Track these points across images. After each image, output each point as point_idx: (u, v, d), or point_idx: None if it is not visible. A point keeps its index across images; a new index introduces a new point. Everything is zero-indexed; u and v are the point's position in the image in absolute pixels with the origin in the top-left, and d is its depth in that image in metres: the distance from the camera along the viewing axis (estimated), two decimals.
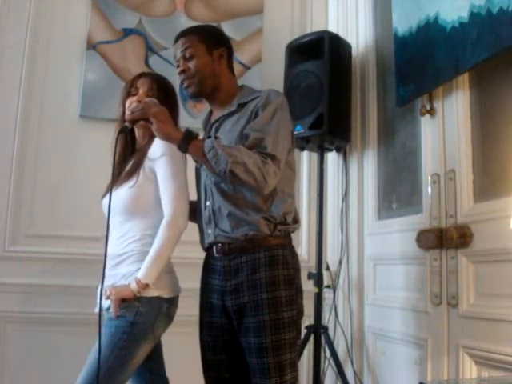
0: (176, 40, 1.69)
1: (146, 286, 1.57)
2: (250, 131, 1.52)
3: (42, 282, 2.39)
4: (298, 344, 1.58)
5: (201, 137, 1.52)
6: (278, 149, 1.50)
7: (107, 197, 1.74)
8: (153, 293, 1.60)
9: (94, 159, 2.48)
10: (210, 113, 1.78)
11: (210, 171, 1.49)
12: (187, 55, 1.64)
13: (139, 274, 1.57)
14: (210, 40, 1.67)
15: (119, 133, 1.56)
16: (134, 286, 1.57)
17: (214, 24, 2.57)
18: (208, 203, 1.63)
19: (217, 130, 1.66)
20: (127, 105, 1.76)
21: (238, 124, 1.60)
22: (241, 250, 1.56)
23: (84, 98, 2.57)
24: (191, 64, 1.63)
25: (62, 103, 2.57)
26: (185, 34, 1.68)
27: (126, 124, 1.54)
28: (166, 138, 1.48)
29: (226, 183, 1.54)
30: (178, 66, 1.67)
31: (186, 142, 1.45)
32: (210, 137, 1.48)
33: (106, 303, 1.61)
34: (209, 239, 1.63)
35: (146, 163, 1.68)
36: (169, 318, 1.67)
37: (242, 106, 1.63)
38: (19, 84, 2.50)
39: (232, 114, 1.64)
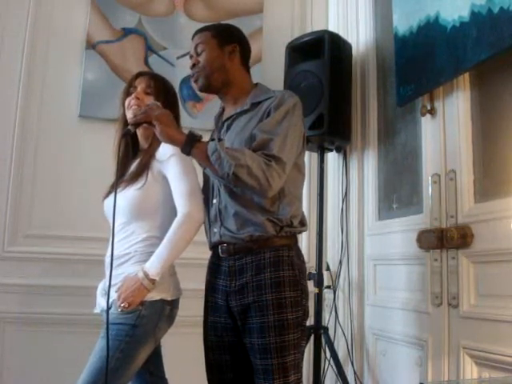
0: (192, 37, 1.71)
1: (155, 281, 1.56)
2: (258, 132, 1.52)
3: (41, 282, 2.38)
4: (302, 345, 1.58)
5: (205, 138, 1.51)
6: (284, 151, 1.49)
7: (109, 198, 1.74)
8: (156, 296, 1.59)
9: (94, 159, 2.47)
10: (223, 109, 1.77)
11: (214, 174, 1.49)
12: (199, 50, 1.66)
13: (150, 269, 1.55)
14: (222, 35, 1.67)
15: (122, 136, 1.56)
16: (146, 283, 1.55)
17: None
18: (215, 201, 1.63)
19: (228, 128, 1.66)
20: (126, 104, 1.76)
21: (250, 124, 1.59)
22: (246, 251, 1.55)
23: (83, 97, 2.56)
24: (201, 58, 1.65)
25: (61, 103, 2.56)
26: (200, 30, 1.70)
27: (129, 127, 1.54)
28: (170, 140, 1.48)
29: (230, 186, 1.53)
30: (191, 58, 1.69)
31: (189, 144, 1.45)
32: (213, 139, 1.48)
33: (105, 304, 1.61)
34: (214, 238, 1.62)
35: (154, 165, 1.67)
36: (170, 320, 1.66)
37: (255, 105, 1.63)
38: (18, 84, 2.49)
39: (245, 112, 1.64)
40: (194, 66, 1.66)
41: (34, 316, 2.36)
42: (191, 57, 1.69)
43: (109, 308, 1.54)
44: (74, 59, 2.61)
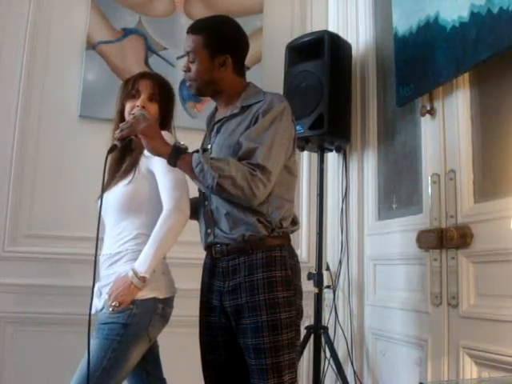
0: (187, 32, 1.68)
1: (145, 279, 1.56)
2: (244, 140, 1.52)
3: (42, 282, 2.38)
4: (297, 345, 1.58)
5: (199, 146, 1.52)
6: (269, 160, 1.49)
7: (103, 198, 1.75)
8: (147, 295, 1.59)
9: (94, 159, 2.44)
10: (216, 109, 1.77)
11: (200, 185, 1.51)
12: (190, 57, 1.64)
13: (139, 267, 1.55)
14: (214, 45, 1.63)
15: (109, 152, 1.57)
16: (136, 281, 1.55)
17: None
18: (206, 203, 1.64)
19: (218, 132, 1.66)
20: (127, 109, 1.75)
21: (239, 128, 1.59)
22: (239, 251, 1.56)
23: (83, 98, 2.57)
24: (193, 67, 1.64)
25: (61, 103, 2.56)
26: (194, 31, 1.66)
27: (116, 143, 1.55)
28: (156, 153, 1.52)
29: (216, 196, 1.54)
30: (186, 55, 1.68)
31: (174, 157, 1.48)
32: (197, 151, 1.49)
33: (99, 304, 1.61)
34: (208, 239, 1.63)
35: (142, 161, 1.68)
36: (164, 319, 1.66)
37: (245, 108, 1.62)
38: (18, 84, 2.49)
39: (235, 116, 1.63)
40: (185, 70, 1.66)
41: (34, 316, 2.36)
42: (184, 54, 1.68)
43: (91, 308, 1.55)
44: (74, 59, 2.61)
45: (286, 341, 1.50)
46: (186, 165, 1.48)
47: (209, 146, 1.66)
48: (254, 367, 1.50)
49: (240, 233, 1.55)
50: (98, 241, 1.55)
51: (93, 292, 1.54)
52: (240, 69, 1.71)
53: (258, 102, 1.60)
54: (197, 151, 1.49)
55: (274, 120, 1.54)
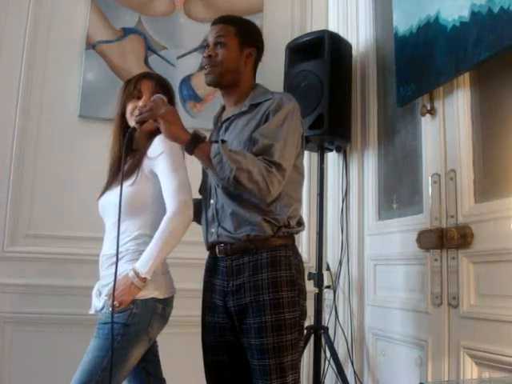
0: (213, 23, 1.69)
1: (146, 279, 1.56)
2: (259, 136, 1.52)
3: (41, 282, 2.38)
4: (300, 346, 1.57)
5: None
6: (284, 157, 1.49)
7: (103, 198, 1.75)
8: (147, 295, 1.59)
9: (94, 159, 2.46)
10: (223, 109, 1.77)
11: (215, 176, 1.50)
12: (219, 43, 1.64)
13: (140, 268, 1.55)
14: (244, 36, 1.67)
15: (129, 135, 1.55)
16: (137, 281, 1.54)
17: None
18: (212, 201, 1.63)
19: (226, 129, 1.66)
20: (129, 109, 1.74)
21: (249, 126, 1.59)
22: (243, 251, 1.55)
23: (83, 97, 2.57)
24: (220, 52, 1.63)
25: (61, 103, 2.56)
26: (224, 21, 1.69)
27: (135, 126, 1.53)
28: (174, 139, 1.49)
29: (230, 188, 1.53)
30: (206, 47, 1.67)
31: (193, 144, 1.46)
32: (217, 141, 1.48)
33: (100, 304, 1.61)
34: (212, 238, 1.62)
35: (145, 162, 1.68)
36: (163, 319, 1.65)
37: (253, 106, 1.63)
38: (18, 84, 2.50)
39: (243, 114, 1.64)
40: (209, 56, 1.64)
41: (34, 316, 2.36)
42: (207, 46, 1.67)
43: (113, 307, 1.53)
44: (74, 59, 2.61)
45: (290, 341, 1.50)
46: (204, 154, 1.46)
47: None
48: (256, 367, 1.50)
49: (245, 233, 1.54)
50: (118, 237, 1.53)
51: (114, 290, 1.51)
52: (255, 69, 1.73)
53: (267, 100, 1.61)
54: (216, 141, 1.48)
55: (285, 118, 1.54)
